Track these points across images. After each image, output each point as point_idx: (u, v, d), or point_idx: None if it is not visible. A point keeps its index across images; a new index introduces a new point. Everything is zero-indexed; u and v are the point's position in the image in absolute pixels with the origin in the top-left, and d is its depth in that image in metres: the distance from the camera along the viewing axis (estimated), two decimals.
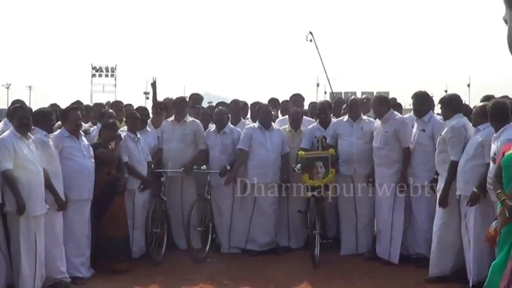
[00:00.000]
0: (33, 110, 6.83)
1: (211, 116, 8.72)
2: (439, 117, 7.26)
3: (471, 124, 6.48)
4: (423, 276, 6.75)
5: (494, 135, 5.83)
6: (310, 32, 24.06)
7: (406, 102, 7.89)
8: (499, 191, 5.23)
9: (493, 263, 5.23)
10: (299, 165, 7.64)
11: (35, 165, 6.08)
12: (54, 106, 8.78)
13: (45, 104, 8.54)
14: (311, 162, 7.58)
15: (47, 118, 6.63)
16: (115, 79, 43.79)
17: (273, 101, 9.93)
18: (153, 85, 9.79)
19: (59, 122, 7.35)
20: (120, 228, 7.21)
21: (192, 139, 8.18)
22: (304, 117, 8.57)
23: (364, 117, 7.97)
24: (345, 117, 8.00)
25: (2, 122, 7.66)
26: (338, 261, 7.63)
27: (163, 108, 8.72)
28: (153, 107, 8.83)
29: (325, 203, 7.76)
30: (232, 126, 8.29)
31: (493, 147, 5.76)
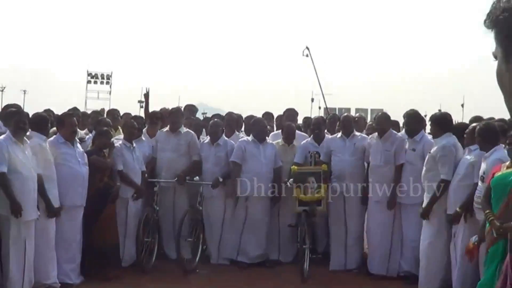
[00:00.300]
0: (30, 115, 6.86)
1: (203, 127, 8.78)
2: (430, 137, 7.36)
3: (459, 144, 6.59)
4: None
5: (485, 154, 5.93)
6: (307, 47, 24.27)
7: (400, 120, 8.01)
8: (488, 211, 5.30)
9: (479, 282, 5.29)
10: (291, 179, 7.69)
11: (29, 170, 6.10)
12: (48, 111, 8.81)
13: (39, 108, 8.57)
14: (304, 177, 7.63)
15: (44, 123, 6.68)
16: (110, 86, 43.76)
17: (268, 115, 10.00)
18: (146, 96, 9.86)
19: (54, 128, 7.38)
20: (110, 236, 7.23)
21: (186, 150, 8.23)
22: (297, 131, 8.64)
23: (357, 133, 8.08)
24: (339, 134, 8.08)
25: None
26: (327, 276, 7.66)
27: (159, 118, 8.78)
28: (149, 116, 8.89)
29: (316, 218, 7.82)
30: (226, 138, 8.34)
31: (483, 166, 5.86)
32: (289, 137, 8.33)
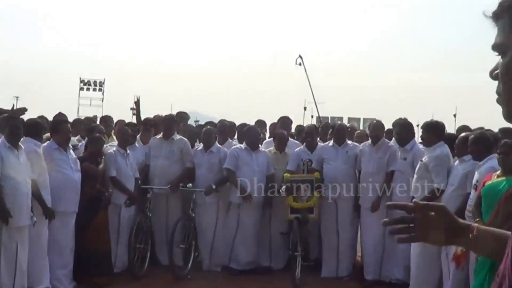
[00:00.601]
0: (25, 121, 6.87)
1: (198, 134, 8.82)
2: (421, 146, 7.41)
3: (450, 153, 6.64)
4: None
5: (479, 163, 5.97)
6: (300, 56, 24.31)
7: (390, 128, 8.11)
8: (478, 219, 5.35)
9: None
10: (284, 187, 7.73)
11: (23, 176, 6.11)
12: (41, 118, 8.81)
13: (32, 115, 8.56)
14: (296, 184, 7.67)
15: (39, 129, 6.70)
16: (103, 93, 43.59)
17: (260, 123, 10.04)
18: (137, 104, 9.89)
19: (47, 134, 7.39)
20: (103, 242, 7.23)
21: (179, 157, 8.26)
22: (290, 139, 8.69)
23: (349, 142, 8.14)
24: (331, 142, 8.14)
25: None
26: (318, 284, 7.70)
27: (152, 124, 8.82)
28: (142, 123, 8.93)
29: (308, 225, 7.86)
30: (219, 145, 8.38)
31: (476, 175, 5.90)
32: (281, 145, 8.38)
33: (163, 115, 8.95)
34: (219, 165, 8.19)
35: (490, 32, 1.28)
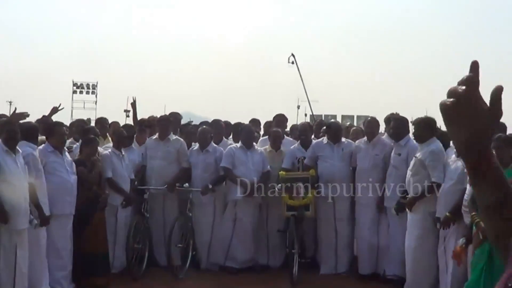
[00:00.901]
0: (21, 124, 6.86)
1: (194, 134, 8.83)
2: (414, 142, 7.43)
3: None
4: None
5: None
6: (292, 54, 24.36)
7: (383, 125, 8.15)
8: (474, 213, 5.39)
9: (466, 284, 5.36)
10: (279, 185, 7.76)
11: (20, 180, 6.11)
12: (38, 121, 8.80)
13: (28, 119, 8.54)
14: (292, 182, 7.71)
15: (35, 132, 6.71)
16: (96, 96, 43.50)
17: (255, 122, 10.06)
18: (133, 104, 9.91)
19: (42, 137, 7.39)
20: (100, 244, 7.25)
21: (175, 157, 8.29)
22: (285, 137, 8.73)
23: (343, 139, 8.17)
24: (324, 139, 8.16)
25: None
26: (316, 281, 7.73)
27: (147, 125, 8.83)
28: (137, 124, 8.94)
29: (304, 223, 7.89)
30: (215, 145, 8.41)
31: None
32: (276, 143, 8.41)
33: (158, 116, 8.97)
34: (215, 164, 8.21)
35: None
